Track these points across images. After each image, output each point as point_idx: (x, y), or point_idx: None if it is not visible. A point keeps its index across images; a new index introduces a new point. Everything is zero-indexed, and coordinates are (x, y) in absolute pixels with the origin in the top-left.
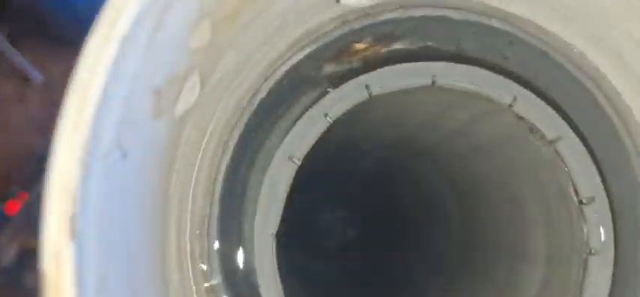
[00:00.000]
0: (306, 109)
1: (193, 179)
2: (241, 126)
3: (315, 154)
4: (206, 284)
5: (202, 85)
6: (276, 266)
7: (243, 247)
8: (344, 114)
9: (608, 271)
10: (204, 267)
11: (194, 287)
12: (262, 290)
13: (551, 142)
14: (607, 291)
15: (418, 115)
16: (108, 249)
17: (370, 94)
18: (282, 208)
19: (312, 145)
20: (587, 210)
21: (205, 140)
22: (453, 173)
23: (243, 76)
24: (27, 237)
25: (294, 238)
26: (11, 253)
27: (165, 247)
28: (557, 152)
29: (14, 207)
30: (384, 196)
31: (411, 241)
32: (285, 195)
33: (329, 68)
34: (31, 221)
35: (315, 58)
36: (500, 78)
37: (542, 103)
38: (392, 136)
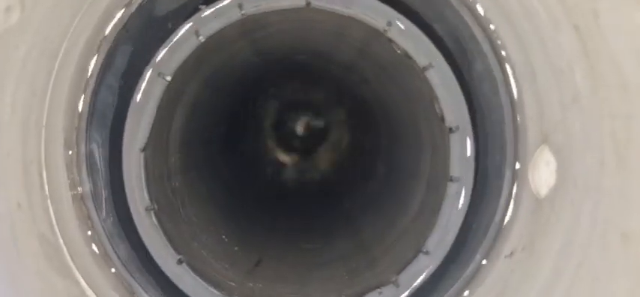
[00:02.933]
0: (178, 26)
1: (48, 95)
2: (110, 40)
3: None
4: (73, 192)
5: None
6: (143, 180)
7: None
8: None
9: (465, 200)
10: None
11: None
12: (130, 201)
13: (423, 69)
14: (461, 218)
15: (313, 40)
16: None
17: (243, 14)
18: (151, 124)
19: (182, 62)
20: (452, 138)
21: (58, 60)
22: (354, 98)
23: None
24: None
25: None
26: None
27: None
28: (427, 79)
29: None
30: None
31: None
32: (155, 111)
33: None
34: None
35: None
36: (376, 3)
37: (417, 30)
38: (293, 65)
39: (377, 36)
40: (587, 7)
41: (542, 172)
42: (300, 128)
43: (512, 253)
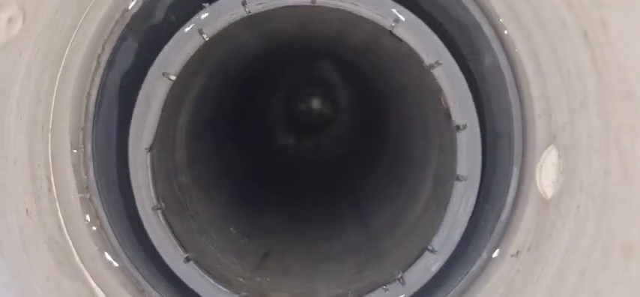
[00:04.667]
0: (181, 25)
1: (54, 99)
2: (114, 40)
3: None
4: (81, 194)
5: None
6: (150, 179)
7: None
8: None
9: (472, 199)
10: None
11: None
12: (137, 201)
13: (431, 67)
14: (468, 216)
15: (321, 29)
16: None
17: (248, 12)
18: (156, 124)
19: (187, 61)
20: (459, 136)
21: (62, 64)
22: (363, 85)
23: None
24: None
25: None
26: None
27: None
28: (434, 77)
29: None
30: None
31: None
32: (160, 110)
33: None
34: None
35: None
36: (383, 0)
37: (424, 27)
38: (300, 50)
39: (384, 32)
40: (596, 15)
41: (549, 173)
42: (307, 115)
43: (518, 253)
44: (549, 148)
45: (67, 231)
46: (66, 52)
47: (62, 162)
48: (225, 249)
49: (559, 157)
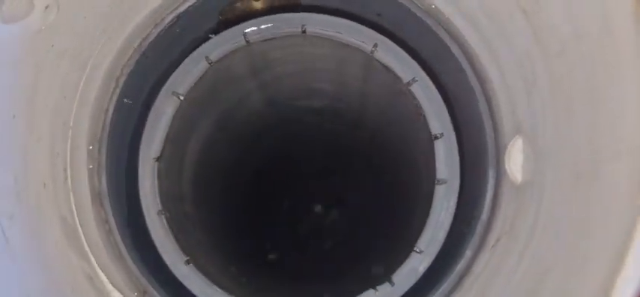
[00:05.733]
0: (191, 51)
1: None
2: (131, 65)
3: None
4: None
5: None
6: (157, 188)
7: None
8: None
9: (453, 200)
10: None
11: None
12: (144, 208)
13: (408, 84)
14: (451, 217)
15: (316, 69)
16: None
17: (247, 41)
18: (164, 137)
19: (194, 83)
20: (437, 144)
21: (86, 73)
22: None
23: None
24: None
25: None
26: None
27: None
28: (411, 92)
29: None
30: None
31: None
32: (168, 125)
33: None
34: None
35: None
36: (363, 28)
37: (400, 50)
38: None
39: (369, 63)
40: None
41: (517, 159)
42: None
43: (497, 240)
44: (516, 137)
45: (78, 218)
46: (93, 56)
47: (78, 161)
48: (222, 276)
49: (525, 141)
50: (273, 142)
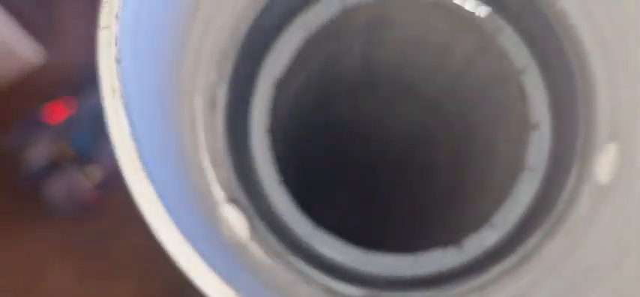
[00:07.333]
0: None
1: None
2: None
3: None
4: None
5: None
6: (270, 158)
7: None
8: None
9: (535, 186)
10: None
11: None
12: (259, 171)
13: (518, 72)
14: (528, 202)
15: (427, 42)
16: None
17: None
18: (271, 108)
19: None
20: (532, 134)
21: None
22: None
23: None
24: (62, 148)
25: None
26: (42, 160)
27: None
28: (520, 82)
29: (58, 114)
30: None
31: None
32: (293, 55)
33: None
34: (70, 134)
35: None
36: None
37: (518, 38)
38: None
39: (484, 45)
40: None
41: (606, 164)
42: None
43: (568, 234)
44: (610, 144)
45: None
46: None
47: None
48: None
49: (618, 149)
50: (362, 104)
